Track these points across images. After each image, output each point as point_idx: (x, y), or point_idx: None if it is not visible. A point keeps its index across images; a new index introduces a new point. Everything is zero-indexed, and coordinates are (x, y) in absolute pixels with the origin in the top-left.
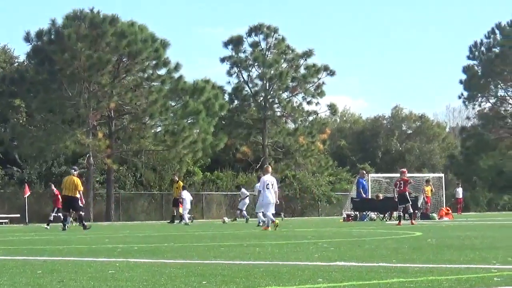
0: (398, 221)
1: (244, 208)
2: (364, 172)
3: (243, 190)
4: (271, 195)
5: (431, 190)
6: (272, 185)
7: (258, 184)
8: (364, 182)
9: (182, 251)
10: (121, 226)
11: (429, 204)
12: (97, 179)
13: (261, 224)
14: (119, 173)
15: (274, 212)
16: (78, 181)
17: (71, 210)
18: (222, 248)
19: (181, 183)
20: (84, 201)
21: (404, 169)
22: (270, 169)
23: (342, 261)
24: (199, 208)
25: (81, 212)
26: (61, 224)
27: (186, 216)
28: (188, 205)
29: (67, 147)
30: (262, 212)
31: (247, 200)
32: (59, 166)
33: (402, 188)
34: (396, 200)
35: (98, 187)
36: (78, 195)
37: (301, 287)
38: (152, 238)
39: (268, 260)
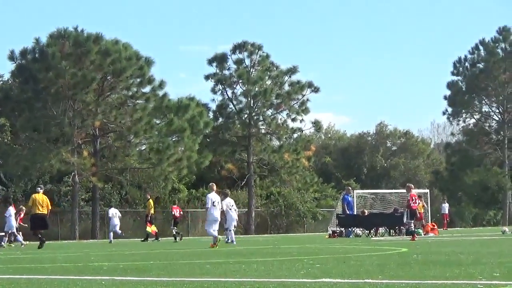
0: (412, 236)
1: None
2: (350, 188)
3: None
4: (217, 212)
5: (423, 206)
6: (218, 202)
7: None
8: (349, 199)
9: (168, 268)
10: (106, 244)
11: (422, 220)
12: (82, 197)
13: (229, 241)
14: (104, 191)
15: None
16: (46, 198)
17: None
18: (208, 266)
19: (151, 201)
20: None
21: (412, 185)
22: (215, 187)
23: (328, 277)
24: (185, 225)
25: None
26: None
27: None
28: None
29: (52, 165)
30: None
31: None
32: (44, 185)
33: (414, 204)
34: (407, 215)
35: (83, 205)
36: (46, 212)
37: None
38: (137, 256)
39: (254, 277)
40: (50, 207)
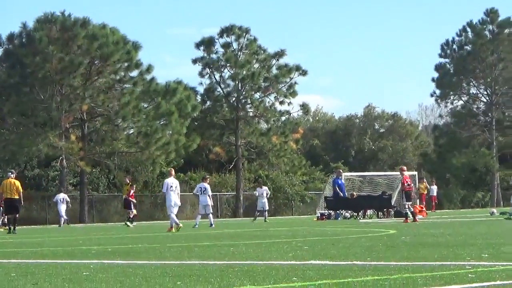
0: (414, 218)
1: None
2: (341, 171)
3: (258, 188)
4: (175, 197)
5: (426, 187)
6: (176, 187)
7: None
8: (339, 182)
9: (156, 252)
10: (94, 227)
11: (424, 202)
12: (70, 182)
13: (197, 226)
14: (92, 175)
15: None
16: (18, 183)
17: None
18: (196, 249)
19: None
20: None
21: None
22: (173, 172)
23: (316, 260)
24: None
25: (17, 215)
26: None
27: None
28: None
29: (39, 150)
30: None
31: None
32: (32, 169)
33: (410, 186)
34: (404, 197)
35: (72, 190)
36: (17, 197)
37: (276, 286)
38: (126, 239)
39: (242, 260)
40: (21, 191)
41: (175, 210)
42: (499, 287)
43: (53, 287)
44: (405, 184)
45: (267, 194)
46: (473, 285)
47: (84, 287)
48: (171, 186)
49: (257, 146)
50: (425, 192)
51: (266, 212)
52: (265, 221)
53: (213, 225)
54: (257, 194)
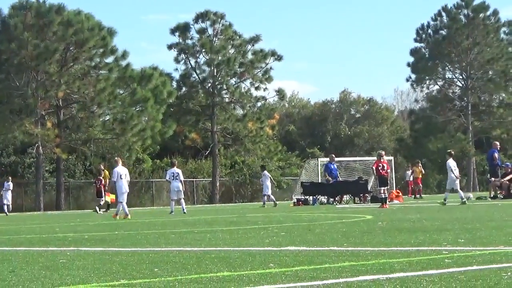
0: (382, 204)
1: (269, 192)
2: (333, 156)
3: (265, 172)
4: (125, 185)
5: (421, 172)
6: (125, 175)
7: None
8: (332, 166)
9: (133, 238)
10: (71, 215)
11: (420, 185)
12: (46, 169)
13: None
14: (68, 162)
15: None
16: None
17: None
18: (173, 235)
19: (107, 173)
20: None
21: (383, 152)
22: (120, 161)
23: (293, 246)
24: (149, 195)
25: None
26: None
27: None
28: None
29: (15, 137)
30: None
31: (269, 183)
32: (8, 156)
33: (385, 171)
34: (377, 182)
35: (48, 176)
36: None
37: (253, 272)
38: (102, 226)
39: (219, 246)
40: None
41: (125, 197)
42: (475, 271)
43: (30, 275)
44: (379, 169)
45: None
46: (450, 270)
47: (61, 274)
48: (121, 175)
49: (233, 132)
50: (420, 176)
51: (266, 197)
52: (263, 206)
53: (185, 211)
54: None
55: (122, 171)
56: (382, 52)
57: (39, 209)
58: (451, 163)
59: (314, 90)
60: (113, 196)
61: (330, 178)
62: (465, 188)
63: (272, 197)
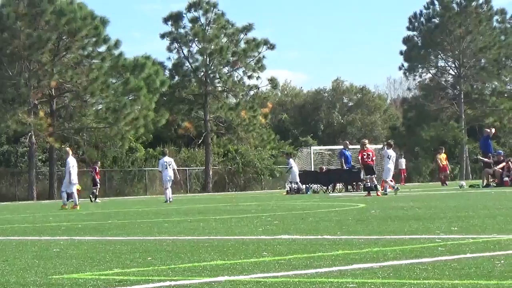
0: (368, 192)
1: (298, 179)
2: (347, 142)
3: (290, 160)
4: (74, 176)
5: (446, 158)
6: (74, 166)
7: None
8: (347, 153)
9: (126, 227)
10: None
11: (448, 171)
12: (40, 158)
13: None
14: (61, 151)
15: None
16: None
17: None
18: (166, 224)
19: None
20: None
21: (367, 140)
22: (70, 151)
23: (286, 234)
24: (142, 184)
25: None
26: None
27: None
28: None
29: (8, 126)
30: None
31: (295, 170)
32: (0, 146)
33: (371, 160)
34: (362, 170)
35: (41, 166)
36: None
37: (246, 261)
38: (95, 215)
39: (212, 235)
40: None
41: (75, 188)
42: (469, 259)
43: (23, 264)
44: (364, 158)
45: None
46: (443, 258)
47: (55, 264)
48: (73, 166)
49: (226, 120)
50: (445, 162)
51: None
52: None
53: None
54: (291, 166)
55: (73, 162)
56: (375, 41)
57: (32, 198)
58: (391, 153)
59: (307, 79)
60: (79, 186)
61: (323, 167)
62: (458, 176)
63: (299, 184)
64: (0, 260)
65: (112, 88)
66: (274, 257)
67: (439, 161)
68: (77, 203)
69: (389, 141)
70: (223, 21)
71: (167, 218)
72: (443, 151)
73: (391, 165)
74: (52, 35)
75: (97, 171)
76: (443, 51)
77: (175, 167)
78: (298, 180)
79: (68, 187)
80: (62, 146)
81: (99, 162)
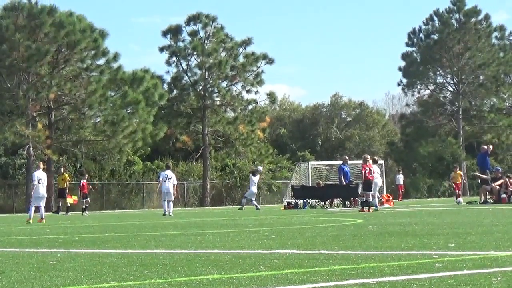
0: (361, 208)
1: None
2: (347, 158)
3: (251, 176)
4: (42, 189)
5: (461, 176)
6: (45, 180)
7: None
8: (345, 169)
9: (123, 240)
10: (61, 216)
11: (460, 190)
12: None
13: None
14: (59, 164)
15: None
16: None
17: None
18: (163, 238)
19: (67, 175)
20: None
21: (369, 156)
22: (42, 165)
23: (283, 249)
24: (140, 197)
25: None
26: None
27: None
28: None
29: (6, 138)
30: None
31: (254, 189)
32: None
33: (372, 175)
34: (361, 185)
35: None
36: None
37: (243, 275)
38: (93, 228)
39: (209, 249)
40: None
41: (43, 202)
42: (466, 276)
43: (20, 276)
44: (366, 173)
45: None
46: (440, 274)
47: (51, 276)
48: (40, 179)
49: (224, 134)
50: (460, 180)
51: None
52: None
53: (172, 214)
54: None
55: (41, 176)
56: (373, 56)
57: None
58: (375, 168)
59: (305, 94)
60: (75, 197)
61: (321, 182)
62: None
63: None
64: None
65: (111, 101)
66: (271, 271)
67: (454, 179)
68: (43, 216)
69: (374, 157)
70: (222, 35)
71: (164, 231)
72: (457, 169)
73: (378, 180)
74: (51, 47)
75: (82, 184)
76: (442, 67)
77: (176, 183)
78: (253, 198)
79: (37, 201)
80: (60, 159)
81: (86, 175)
